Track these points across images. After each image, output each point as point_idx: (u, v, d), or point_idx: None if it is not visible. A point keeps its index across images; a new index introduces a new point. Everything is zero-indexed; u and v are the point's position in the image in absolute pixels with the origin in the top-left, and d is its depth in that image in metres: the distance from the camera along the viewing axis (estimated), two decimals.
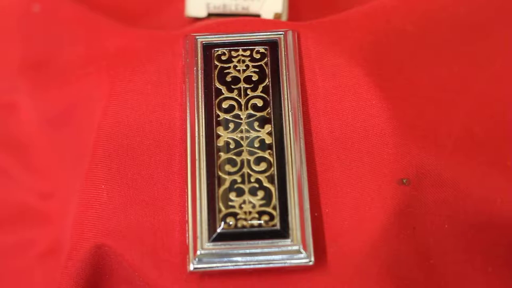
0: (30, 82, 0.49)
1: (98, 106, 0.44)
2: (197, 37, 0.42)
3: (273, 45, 0.42)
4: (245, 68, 0.41)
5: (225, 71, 0.41)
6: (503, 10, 0.48)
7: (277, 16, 0.45)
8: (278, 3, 0.46)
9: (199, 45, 0.42)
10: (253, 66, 0.42)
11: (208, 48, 0.42)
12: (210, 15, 0.46)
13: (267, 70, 0.41)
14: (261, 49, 0.42)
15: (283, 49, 0.42)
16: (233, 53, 0.42)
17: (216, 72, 0.41)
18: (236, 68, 0.42)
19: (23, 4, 0.51)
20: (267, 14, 0.46)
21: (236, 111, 0.41)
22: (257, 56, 0.42)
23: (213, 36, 0.42)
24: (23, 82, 0.49)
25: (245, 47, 0.42)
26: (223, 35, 0.42)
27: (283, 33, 0.42)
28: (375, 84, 0.42)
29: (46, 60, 0.49)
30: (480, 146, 0.43)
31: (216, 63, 0.42)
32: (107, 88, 0.43)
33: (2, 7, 0.52)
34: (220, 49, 0.42)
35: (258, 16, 0.46)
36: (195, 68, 0.42)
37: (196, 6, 0.46)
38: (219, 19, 0.45)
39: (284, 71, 0.41)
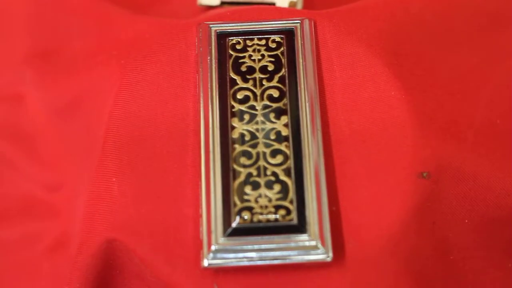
0: (38, 73, 0.48)
1: (108, 97, 0.42)
2: (211, 25, 0.41)
3: (289, 34, 0.41)
4: (260, 57, 0.40)
5: (240, 61, 0.40)
6: None
7: (292, 4, 0.44)
8: None
9: (213, 33, 0.41)
10: (269, 56, 0.40)
11: (222, 37, 0.41)
12: (223, 3, 0.45)
13: (283, 60, 0.40)
14: (277, 38, 0.41)
15: (299, 38, 0.41)
16: (248, 42, 0.41)
17: (230, 62, 0.40)
18: (251, 58, 0.40)
19: None
20: (282, 2, 0.44)
21: (252, 102, 0.39)
22: (273, 46, 0.41)
23: (227, 25, 0.41)
24: (31, 72, 0.48)
25: (260, 36, 0.41)
26: (238, 24, 0.41)
27: (299, 21, 0.41)
28: (394, 75, 0.41)
29: (54, 49, 0.48)
30: (502, 138, 0.42)
31: (231, 52, 0.40)
32: (118, 78, 0.42)
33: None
34: (235, 38, 0.41)
35: (272, 4, 0.45)
36: (209, 58, 0.40)
37: None
38: (232, 7, 0.43)
39: (301, 61, 0.40)
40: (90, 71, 0.45)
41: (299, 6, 0.45)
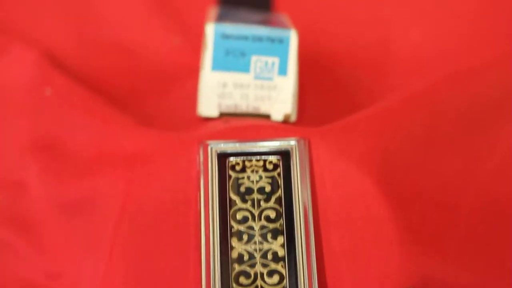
0: (40, 164, 0.50)
1: (113, 206, 0.45)
2: (212, 145, 0.44)
3: (285, 155, 0.44)
4: (258, 179, 0.43)
5: (239, 182, 0.43)
6: (501, 101, 0.50)
7: (287, 116, 0.47)
8: (288, 104, 0.47)
9: (213, 154, 0.44)
10: (266, 177, 0.43)
11: (222, 157, 0.43)
12: (222, 115, 0.47)
13: (279, 181, 0.43)
14: (274, 159, 0.43)
15: (295, 159, 0.43)
16: (247, 163, 0.43)
17: (230, 183, 0.43)
18: (250, 179, 0.43)
19: (35, 85, 0.52)
20: (277, 114, 0.47)
21: (250, 222, 0.42)
22: (270, 167, 0.43)
23: (227, 145, 0.44)
24: (33, 162, 0.50)
25: (258, 157, 0.43)
26: (237, 144, 0.44)
27: (295, 142, 0.44)
28: (383, 193, 0.44)
29: (56, 144, 0.50)
30: (484, 246, 0.45)
31: (230, 173, 0.43)
32: (124, 190, 0.45)
33: (13, 86, 0.53)
34: (234, 158, 0.44)
35: (268, 116, 0.47)
36: (210, 177, 0.43)
37: (208, 106, 0.47)
38: (232, 123, 0.46)
39: (296, 182, 0.43)
40: (94, 175, 0.47)
41: (293, 118, 0.47)
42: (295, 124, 0.48)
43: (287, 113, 0.47)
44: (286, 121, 0.47)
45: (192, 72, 0.54)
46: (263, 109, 0.47)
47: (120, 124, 0.47)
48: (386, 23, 0.57)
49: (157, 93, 0.54)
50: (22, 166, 0.51)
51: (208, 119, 0.47)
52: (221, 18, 0.50)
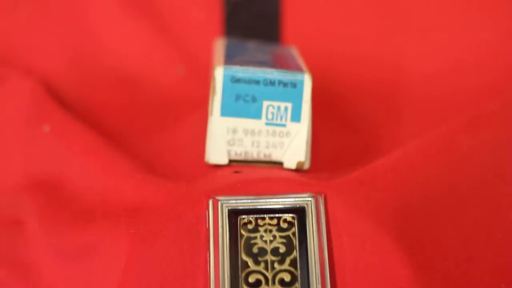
0: (37, 204, 0.48)
1: (115, 262, 0.43)
2: (223, 202, 0.41)
3: (300, 213, 0.41)
4: (272, 238, 0.41)
5: (251, 241, 0.40)
6: None
7: (300, 164, 0.45)
8: (301, 152, 0.45)
9: (224, 210, 0.41)
10: (280, 237, 0.41)
11: (233, 214, 0.41)
12: (231, 162, 0.45)
13: (294, 241, 0.41)
14: (288, 217, 0.41)
15: (311, 217, 0.41)
16: (260, 222, 0.41)
17: (242, 243, 0.40)
18: (263, 239, 0.41)
19: (32, 119, 0.49)
20: (290, 162, 0.45)
21: (263, 286, 0.40)
22: (284, 226, 0.41)
23: (238, 201, 0.41)
24: (29, 201, 0.48)
25: (272, 215, 0.41)
26: (249, 200, 0.41)
27: (310, 199, 0.41)
28: (403, 252, 0.41)
29: (55, 185, 0.48)
30: None
31: (242, 232, 0.41)
32: (127, 247, 0.42)
33: (9, 119, 0.51)
34: (246, 216, 0.41)
35: (280, 163, 0.45)
36: (220, 236, 0.40)
37: (217, 153, 0.45)
38: (243, 174, 0.44)
39: (312, 241, 0.41)
40: (96, 225, 0.45)
41: (307, 165, 0.45)
42: (308, 172, 0.45)
43: (301, 161, 0.44)
44: (299, 169, 0.45)
45: (198, 106, 0.52)
46: (275, 156, 0.44)
47: (123, 170, 0.45)
48: (399, 57, 0.54)
49: (161, 128, 0.52)
50: (18, 204, 0.48)
51: (216, 166, 0.44)
52: (228, 52, 0.47)
